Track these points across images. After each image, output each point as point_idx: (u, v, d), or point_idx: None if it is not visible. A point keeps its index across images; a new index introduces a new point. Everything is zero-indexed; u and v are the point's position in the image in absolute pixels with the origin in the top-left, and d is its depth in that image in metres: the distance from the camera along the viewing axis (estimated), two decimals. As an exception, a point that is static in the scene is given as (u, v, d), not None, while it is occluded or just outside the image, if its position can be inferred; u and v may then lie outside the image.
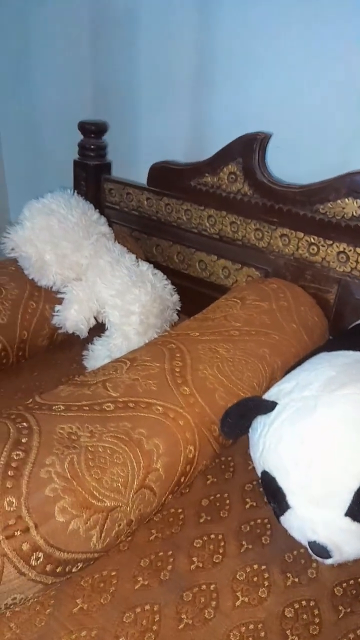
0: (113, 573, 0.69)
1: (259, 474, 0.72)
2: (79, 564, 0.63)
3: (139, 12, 1.34)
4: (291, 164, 1.18)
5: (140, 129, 1.47)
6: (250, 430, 0.74)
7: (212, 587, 0.68)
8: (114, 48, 1.43)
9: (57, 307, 1.11)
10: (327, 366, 0.70)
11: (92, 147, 1.44)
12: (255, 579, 0.70)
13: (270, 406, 0.70)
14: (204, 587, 0.68)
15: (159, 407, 0.74)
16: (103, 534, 0.64)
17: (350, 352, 0.74)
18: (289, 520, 0.66)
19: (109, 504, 0.63)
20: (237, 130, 1.18)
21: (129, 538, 0.74)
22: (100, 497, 0.63)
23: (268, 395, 0.74)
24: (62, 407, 0.73)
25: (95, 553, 0.65)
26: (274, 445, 0.66)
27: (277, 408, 0.69)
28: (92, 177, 1.47)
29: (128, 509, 0.66)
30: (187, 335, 0.94)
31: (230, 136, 1.18)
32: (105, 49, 1.46)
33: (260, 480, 0.73)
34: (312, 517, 0.62)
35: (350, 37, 1.02)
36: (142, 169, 1.39)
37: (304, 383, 0.69)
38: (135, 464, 0.67)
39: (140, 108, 1.45)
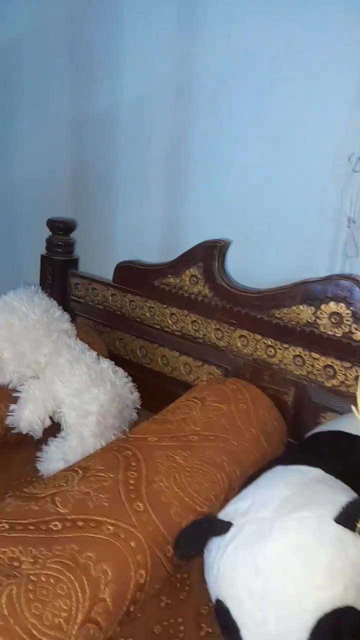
0: None
1: (213, 601, 0.68)
2: None
3: (117, 115, 1.41)
4: (252, 269, 1.23)
5: (112, 226, 1.51)
6: (205, 551, 0.70)
7: None
8: (93, 148, 1.51)
9: (12, 407, 1.08)
10: (282, 485, 0.69)
11: (60, 243, 1.48)
12: None
13: (225, 527, 0.67)
14: None
15: (109, 527, 0.71)
16: None
17: (306, 468, 0.73)
18: (243, 660, 0.61)
19: (48, 644, 0.58)
20: (201, 234, 1.23)
21: None
22: (39, 637, 0.57)
23: (224, 514, 0.71)
24: (6, 526, 0.69)
25: None
26: (228, 573, 0.63)
27: (232, 530, 0.66)
28: (58, 272, 1.50)
29: (69, 647, 0.60)
30: (145, 440, 0.92)
31: (195, 239, 1.24)
32: (83, 149, 1.53)
33: (214, 607, 0.69)
34: (267, 658, 0.58)
35: (315, 153, 1.08)
36: (110, 265, 1.43)
37: (260, 502, 0.67)
38: (80, 595, 0.62)
39: (114, 207, 1.50)
